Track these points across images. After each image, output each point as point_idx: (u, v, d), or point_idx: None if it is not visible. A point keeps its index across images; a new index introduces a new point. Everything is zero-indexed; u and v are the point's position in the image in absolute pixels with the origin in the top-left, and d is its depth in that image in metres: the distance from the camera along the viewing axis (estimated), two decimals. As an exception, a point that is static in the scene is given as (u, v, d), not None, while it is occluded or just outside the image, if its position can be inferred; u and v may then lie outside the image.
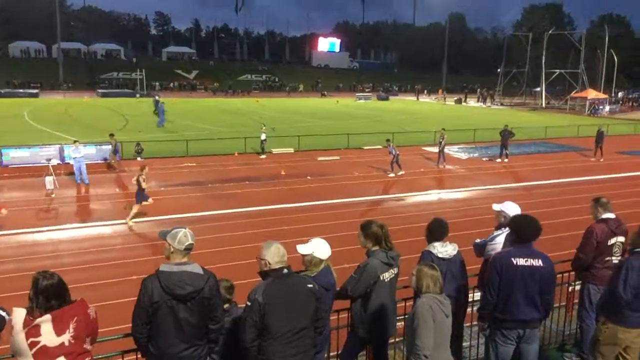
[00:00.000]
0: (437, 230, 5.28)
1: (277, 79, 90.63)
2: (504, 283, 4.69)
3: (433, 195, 18.20)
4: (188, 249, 3.95)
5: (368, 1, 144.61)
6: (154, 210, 15.46)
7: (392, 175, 20.96)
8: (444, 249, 5.15)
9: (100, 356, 4.28)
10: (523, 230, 4.77)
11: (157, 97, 38.85)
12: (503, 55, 73.83)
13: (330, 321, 4.95)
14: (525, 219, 4.89)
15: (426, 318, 3.99)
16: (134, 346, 4.07)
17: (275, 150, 25.91)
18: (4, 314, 3.76)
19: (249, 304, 3.91)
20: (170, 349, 3.88)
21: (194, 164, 20.83)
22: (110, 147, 21.65)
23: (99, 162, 21.86)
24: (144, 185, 14.19)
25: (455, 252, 5.20)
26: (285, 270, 4.04)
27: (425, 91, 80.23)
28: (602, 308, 5.13)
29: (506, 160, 25.18)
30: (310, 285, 4.12)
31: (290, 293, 3.99)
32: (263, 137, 24.73)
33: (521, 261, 4.65)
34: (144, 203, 14.38)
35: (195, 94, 70.92)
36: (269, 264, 4.03)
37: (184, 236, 3.94)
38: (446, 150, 24.17)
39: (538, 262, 4.67)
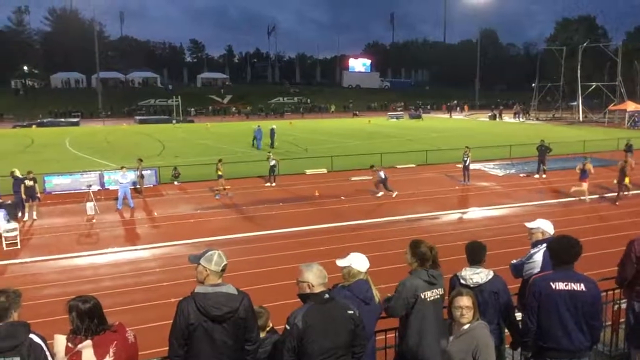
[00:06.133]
0: (468, 253, 5.08)
1: (308, 101, 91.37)
2: (543, 308, 4.46)
3: (469, 214, 17.92)
4: (224, 269, 4.01)
5: (397, 21, 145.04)
6: (190, 233, 15.69)
7: (380, 194, 20.48)
8: (470, 276, 4.89)
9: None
10: (563, 252, 4.51)
11: (257, 126, 39.24)
12: (537, 69, 72.78)
13: (375, 340, 4.88)
14: (564, 240, 4.60)
15: (488, 342, 4.19)
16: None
17: (308, 171, 26.04)
18: (39, 341, 3.60)
19: (287, 327, 3.87)
20: (208, 371, 3.88)
21: (229, 187, 21.06)
22: (137, 172, 21.38)
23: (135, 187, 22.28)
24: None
25: (483, 281, 4.86)
26: (327, 295, 3.98)
27: (458, 108, 79.53)
28: (630, 338, 4.90)
29: (544, 176, 24.65)
30: (350, 312, 4.02)
31: (330, 319, 3.91)
32: (272, 162, 23.55)
33: (561, 285, 4.40)
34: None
35: (228, 118, 72.16)
36: (312, 285, 3.95)
37: (219, 257, 3.99)
38: (481, 167, 23.82)
39: (580, 287, 4.41)
